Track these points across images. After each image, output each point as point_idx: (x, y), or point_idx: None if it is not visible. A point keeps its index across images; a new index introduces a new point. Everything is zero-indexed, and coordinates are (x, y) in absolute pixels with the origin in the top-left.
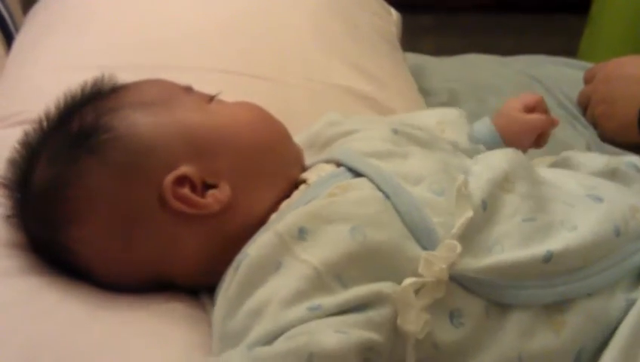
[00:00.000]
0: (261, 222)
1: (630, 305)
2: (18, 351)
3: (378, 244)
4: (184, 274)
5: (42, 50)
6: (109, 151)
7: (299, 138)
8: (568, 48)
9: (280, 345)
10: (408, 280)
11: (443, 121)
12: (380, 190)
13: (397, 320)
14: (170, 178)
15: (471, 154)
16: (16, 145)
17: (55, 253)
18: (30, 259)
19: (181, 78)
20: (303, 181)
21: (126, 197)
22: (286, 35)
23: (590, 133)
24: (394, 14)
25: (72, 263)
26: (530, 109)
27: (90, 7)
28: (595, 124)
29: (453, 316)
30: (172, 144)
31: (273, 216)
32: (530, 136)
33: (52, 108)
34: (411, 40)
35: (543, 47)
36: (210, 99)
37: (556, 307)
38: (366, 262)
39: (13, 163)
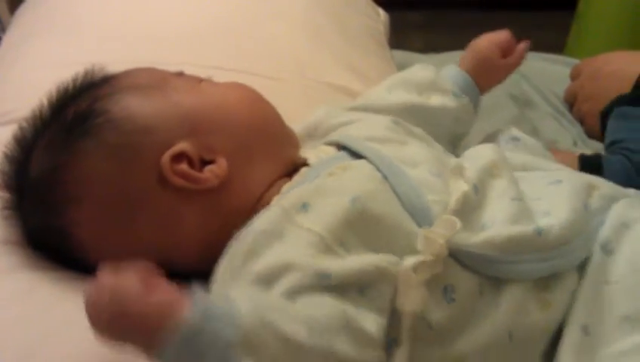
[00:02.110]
0: (258, 199)
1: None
2: (17, 346)
3: (377, 215)
4: (184, 255)
5: (31, 48)
6: (104, 132)
7: (296, 129)
8: (556, 44)
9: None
10: (410, 261)
11: (422, 88)
12: (379, 171)
13: (397, 299)
14: (167, 155)
15: (458, 111)
16: (11, 141)
17: (54, 242)
18: (26, 255)
19: None
20: (304, 163)
21: (124, 178)
22: (278, 32)
23: (577, 130)
24: (382, 14)
25: (71, 252)
26: (506, 51)
27: (79, 5)
28: (581, 121)
29: (447, 291)
30: (167, 123)
31: (276, 199)
32: (505, 77)
33: (45, 103)
34: (399, 37)
35: (532, 43)
36: (201, 81)
37: (543, 284)
38: (365, 229)
39: (8, 158)
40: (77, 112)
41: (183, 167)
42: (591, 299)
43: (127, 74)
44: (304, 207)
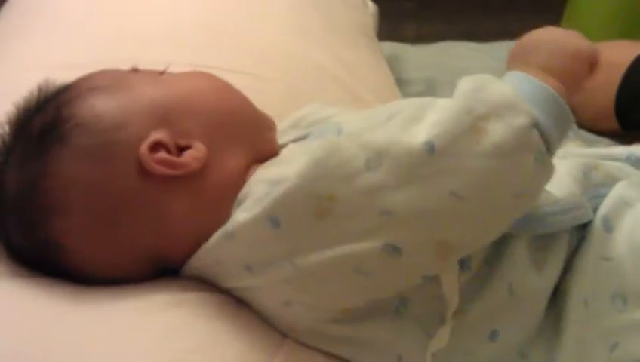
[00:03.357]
0: (241, 181)
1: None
2: (4, 348)
3: None
4: (176, 248)
5: (13, 49)
6: (76, 136)
7: (281, 125)
8: None
9: None
10: None
11: None
12: None
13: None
14: (145, 145)
15: None
16: None
17: (42, 256)
18: (9, 263)
19: None
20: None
21: (104, 178)
22: (263, 28)
23: None
24: (370, 5)
25: (62, 263)
26: None
27: (63, 4)
28: (572, 111)
29: (463, 260)
30: (137, 115)
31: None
32: None
33: (5, 124)
34: (392, 25)
35: (527, 28)
36: (161, 73)
37: (539, 244)
38: None
39: None
40: (44, 122)
41: (162, 154)
42: (591, 273)
43: (85, 78)
44: None
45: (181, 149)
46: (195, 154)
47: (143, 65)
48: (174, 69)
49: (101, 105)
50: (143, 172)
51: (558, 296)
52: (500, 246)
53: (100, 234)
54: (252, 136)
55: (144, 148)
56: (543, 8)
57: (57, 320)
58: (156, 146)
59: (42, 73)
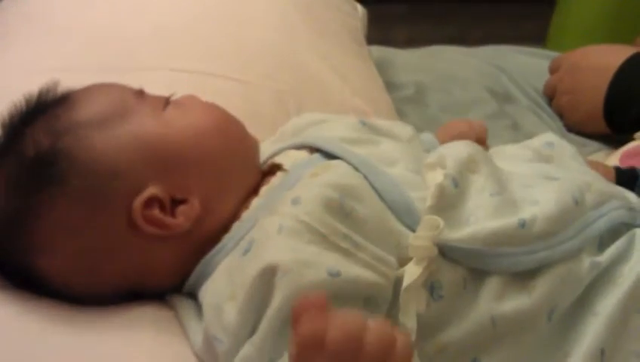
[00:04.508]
0: (231, 219)
1: (594, 266)
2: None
3: (363, 216)
4: (157, 286)
5: (3, 53)
6: (71, 179)
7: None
8: (542, 35)
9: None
10: (407, 279)
11: None
12: (358, 171)
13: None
14: (138, 201)
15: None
16: None
17: (19, 273)
18: None
19: (146, 80)
20: (277, 166)
21: (94, 225)
22: (250, 32)
23: (556, 124)
24: (359, 9)
25: (39, 284)
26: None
27: (51, 9)
28: (561, 115)
29: (434, 288)
30: (135, 164)
31: (254, 201)
32: None
33: None
34: (383, 29)
35: (516, 33)
36: (166, 102)
37: (527, 271)
38: (356, 228)
39: None
40: (39, 153)
41: (155, 213)
42: (618, 323)
43: (85, 98)
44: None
45: (176, 201)
46: (188, 212)
47: (133, 72)
48: (165, 75)
49: (100, 147)
50: (133, 225)
51: (563, 327)
52: (480, 277)
53: (81, 273)
54: (247, 172)
55: (137, 203)
56: (531, 14)
57: (44, 333)
58: (150, 201)
59: (28, 77)
